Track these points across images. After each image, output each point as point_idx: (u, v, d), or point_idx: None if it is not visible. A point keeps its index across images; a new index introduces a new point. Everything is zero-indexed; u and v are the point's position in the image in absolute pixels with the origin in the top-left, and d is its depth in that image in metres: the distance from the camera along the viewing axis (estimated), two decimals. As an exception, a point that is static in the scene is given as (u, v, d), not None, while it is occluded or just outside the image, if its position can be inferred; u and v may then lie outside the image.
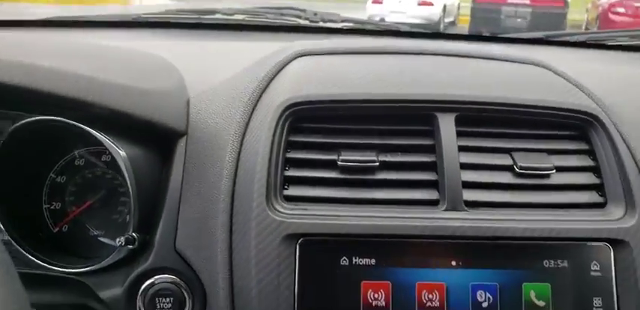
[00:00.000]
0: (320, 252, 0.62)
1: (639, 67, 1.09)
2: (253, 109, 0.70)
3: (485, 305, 0.62)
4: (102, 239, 0.75)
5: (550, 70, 0.79)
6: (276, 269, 0.60)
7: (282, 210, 0.64)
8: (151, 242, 0.67)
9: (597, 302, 0.63)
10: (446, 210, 0.64)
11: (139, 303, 0.65)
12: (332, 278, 0.61)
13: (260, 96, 0.71)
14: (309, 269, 0.61)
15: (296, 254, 0.61)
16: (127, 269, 0.67)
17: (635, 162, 0.68)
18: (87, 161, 0.76)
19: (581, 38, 1.24)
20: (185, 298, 0.65)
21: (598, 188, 0.69)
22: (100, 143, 0.66)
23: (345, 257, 0.62)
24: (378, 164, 0.66)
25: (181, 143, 0.71)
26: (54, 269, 0.68)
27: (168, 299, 0.66)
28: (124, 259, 0.67)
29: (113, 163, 0.72)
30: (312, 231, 0.62)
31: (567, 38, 1.24)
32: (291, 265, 0.61)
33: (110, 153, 0.66)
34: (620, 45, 1.21)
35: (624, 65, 1.09)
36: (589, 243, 0.64)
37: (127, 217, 0.73)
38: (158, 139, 0.71)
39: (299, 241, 0.62)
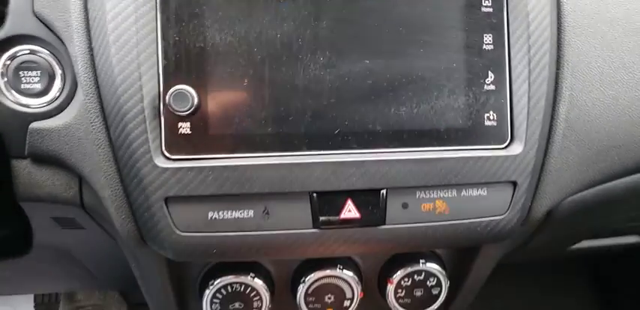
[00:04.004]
0: None
1: None
2: None
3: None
4: None
5: None
6: (133, 4, 0.54)
7: None
8: (6, 11, 0.60)
9: (487, 38, 0.60)
10: None
11: (2, 79, 0.59)
12: (200, 19, 0.55)
13: None
14: (173, 6, 0.55)
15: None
16: None
17: None
18: None
19: None
20: (54, 70, 0.60)
21: None
22: None
23: None
24: None
25: None
26: None
27: (35, 73, 0.60)
28: None
29: None
30: None
31: None
32: (151, 0, 0.55)
33: None
34: None
35: None
36: None
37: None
38: None
39: None
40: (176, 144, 0.55)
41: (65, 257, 0.83)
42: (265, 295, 0.66)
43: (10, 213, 0.67)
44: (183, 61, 0.55)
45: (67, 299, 1.30)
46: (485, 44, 0.60)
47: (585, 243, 0.90)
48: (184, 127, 0.55)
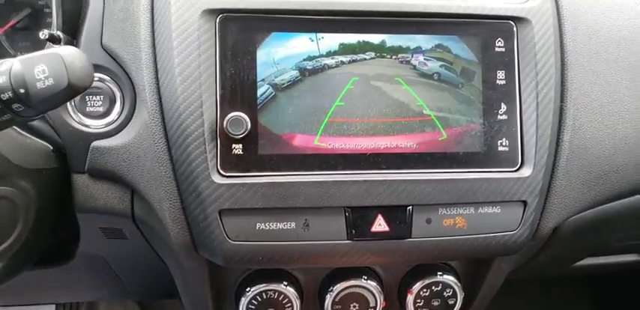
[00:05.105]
0: (241, 30, 0.64)
1: None
2: None
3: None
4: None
5: None
6: (196, 42, 0.62)
7: None
8: (78, 44, 0.68)
9: (500, 74, 0.68)
10: None
11: (70, 104, 0.67)
12: (253, 55, 0.64)
13: None
14: (229, 45, 0.63)
15: (216, 28, 0.63)
16: None
17: None
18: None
19: None
20: (115, 95, 0.67)
21: None
22: None
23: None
24: None
25: None
26: None
27: (98, 97, 0.68)
28: None
29: None
30: (232, 7, 0.63)
31: None
32: (211, 39, 0.63)
33: None
34: None
35: None
36: (495, 21, 0.68)
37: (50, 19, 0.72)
38: None
39: (218, 17, 0.63)
40: (230, 162, 0.63)
41: (99, 266, 0.89)
42: (296, 302, 0.72)
43: (66, 222, 0.74)
44: (238, 91, 0.63)
45: (89, 310, 1.34)
46: (499, 79, 0.68)
47: (587, 261, 0.96)
48: (237, 148, 0.63)
